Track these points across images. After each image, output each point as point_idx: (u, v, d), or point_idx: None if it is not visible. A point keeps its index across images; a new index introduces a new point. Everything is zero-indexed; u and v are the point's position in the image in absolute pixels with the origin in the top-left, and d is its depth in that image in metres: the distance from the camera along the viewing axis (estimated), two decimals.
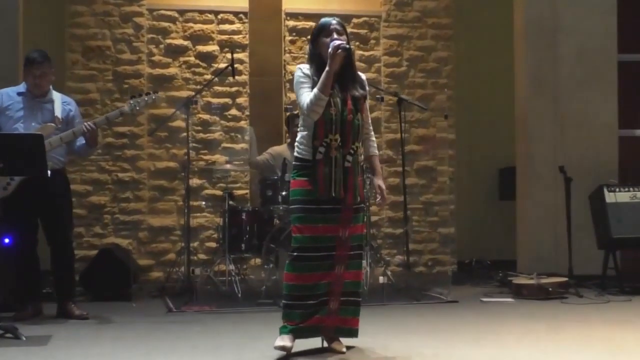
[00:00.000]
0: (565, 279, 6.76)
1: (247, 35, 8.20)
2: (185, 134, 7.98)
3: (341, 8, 8.40)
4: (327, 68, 4.10)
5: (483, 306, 6.32)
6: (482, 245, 8.77)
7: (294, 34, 8.33)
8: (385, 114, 8.39)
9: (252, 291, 6.54)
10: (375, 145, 4.50)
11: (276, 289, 5.97)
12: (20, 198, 5.52)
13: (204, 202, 7.75)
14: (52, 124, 5.59)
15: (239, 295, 6.41)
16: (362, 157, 4.33)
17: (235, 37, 8.18)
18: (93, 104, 7.82)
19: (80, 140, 5.72)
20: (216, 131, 8.13)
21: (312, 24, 8.27)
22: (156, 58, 8.02)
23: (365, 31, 8.44)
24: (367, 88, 4.41)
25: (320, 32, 4.28)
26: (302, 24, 8.32)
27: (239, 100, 8.18)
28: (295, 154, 4.31)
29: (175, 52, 8.06)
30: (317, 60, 4.24)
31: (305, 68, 4.30)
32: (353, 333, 4.38)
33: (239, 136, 8.15)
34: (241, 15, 8.21)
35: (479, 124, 8.87)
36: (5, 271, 5.85)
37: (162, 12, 8.06)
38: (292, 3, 8.30)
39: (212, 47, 8.12)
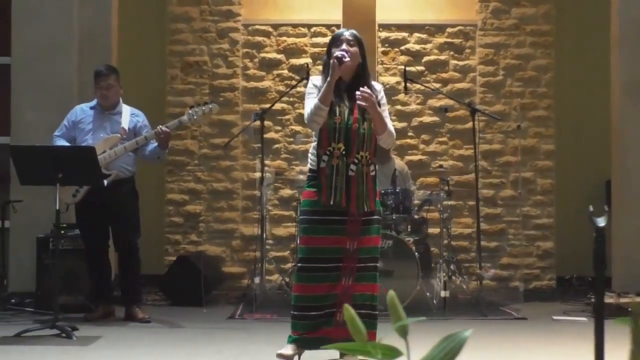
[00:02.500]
0: None
1: None
2: (277, 145, 8.27)
3: (435, 18, 8.32)
4: (328, 79, 4.15)
5: (551, 325, 6.05)
6: (585, 261, 8.34)
7: (387, 45, 8.33)
8: (480, 124, 8.17)
9: None
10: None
11: None
12: (90, 205, 5.91)
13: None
14: (117, 135, 5.93)
15: None
16: (373, 166, 4.30)
17: None
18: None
19: (152, 146, 6.00)
20: (308, 142, 8.25)
21: (405, 34, 8.30)
22: (251, 72, 8.28)
23: (460, 40, 8.30)
24: (381, 96, 4.39)
25: (333, 44, 4.32)
26: (394, 35, 8.31)
27: None
28: (308, 165, 4.38)
29: (269, 65, 8.28)
30: (328, 72, 4.27)
31: (317, 79, 4.37)
32: None
33: None
34: (334, 28, 8.28)
35: (585, 133, 8.48)
36: (84, 274, 6.26)
37: (257, 27, 8.30)
38: (385, 14, 8.28)
39: (305, 60, 8.27)
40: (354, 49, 4.28)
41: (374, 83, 4.44)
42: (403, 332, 1.35)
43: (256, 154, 8.28)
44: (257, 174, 8.18)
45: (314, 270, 4.23)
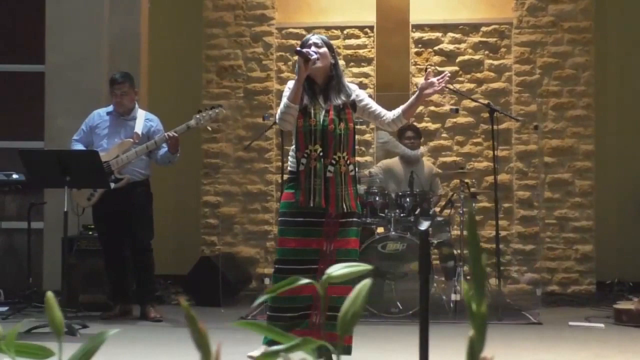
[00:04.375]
0: None
1: (373, 49, 8.27)
2: None
3: (470, 17, 8.20)
4: (296, 77, 4.21)
5: (564, 330, 5.88)
6: (627, 265, 8.06)
7: (420, 45, 8.25)
8: (516, 124, 8.02)
9: None
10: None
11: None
12: (105, 208, 6.12)
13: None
14: (130, 140, 6.11)
15: None
16: (352, 166, 4.31)
17: (361, 51, 8.29)
18: (225, 120, 8.30)
19: (163, 150, 6.16)
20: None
21: (438, 34, 8.21)
22: (284, 75, 8.35)
23: (495, 39, 8.15)
24: (356, 94, 4.40)
25: (302, 48, 4.35)
26: (428, 35, 8.23)
27: None
28: (288, 168, 4.43)
29: None
30: None
31: (292, 83, 4.39)
32: (343, 350, 4.33)
33: (363, 149, 8.23)
34: (367, 29, 8.30)
35: (627, 132, 8.18)
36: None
37: (291, 30, 8.38)
38: (419, 14, 8.21)
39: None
40: (323, 49, 4.31)
41: (349, 84, 4.46)
42: (58, 331, 1.38)
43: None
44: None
45: (290, 272, 4.24)
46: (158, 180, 7.86)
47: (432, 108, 8.16)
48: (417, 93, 4.41)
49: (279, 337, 1.26)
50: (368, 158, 8.15)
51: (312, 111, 4.25)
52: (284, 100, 4.26)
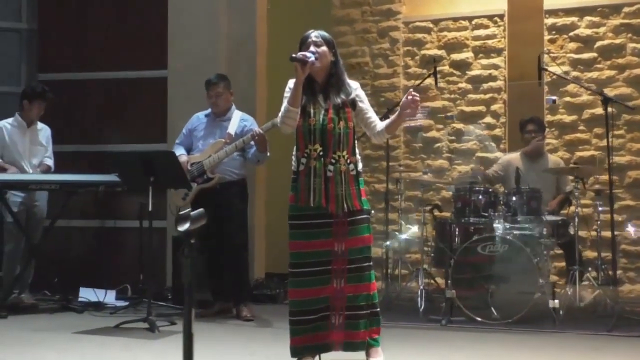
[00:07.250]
0: None
1: (502, 39, 7.81)
2: (439, 144, 8.02)
3: None
4: (295, 80, 4.06)
5: None
6: None
7: (554, 32, 7.67)
8: None
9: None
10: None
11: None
12: (201, 208, 6.21)
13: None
14: (222, 140, 6.18)
15: (420, 309, 6.27)
16: (353, 165, 4.13)
17: (490, 41, 7.86)
18: None
19: (254, 149, 6.18)
20: (470, 140, 7.90)
21: (574, 19, 7.63)
22: (412, 70, 8.11)
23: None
24: (357, 93, 4.22)
25: (301, 46, 4.20)
26: (562, 21, 7.65)
27: (494, 107, 7.83)
28: (292, 168, 4.31)
29: (429, 62, 8.02)
30: None
31: (292, 82, 4.24)
32: (361, 347, 4.15)
33: (493, 144, 7.80)
34: (496, 18, 7.86)
35: None
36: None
37: (417, 23, 8.12)
38: None
39: (466, 55, 7.93)
40: (322, 48, 4.14)
41: (350, 81, 4.29)
42: None
43: (417, 154, 8.10)
44: (420, 174, 8.01)
45: (305, 275, 4.16)
46: (278, 180, 7.92)
47: (567, 99, 7.57)
48: (398, 111, 4.19)
49: None
50: (498, 154, 7.70)
51: (312, 110, 4.14)
52: (285, 103, 4.14)
